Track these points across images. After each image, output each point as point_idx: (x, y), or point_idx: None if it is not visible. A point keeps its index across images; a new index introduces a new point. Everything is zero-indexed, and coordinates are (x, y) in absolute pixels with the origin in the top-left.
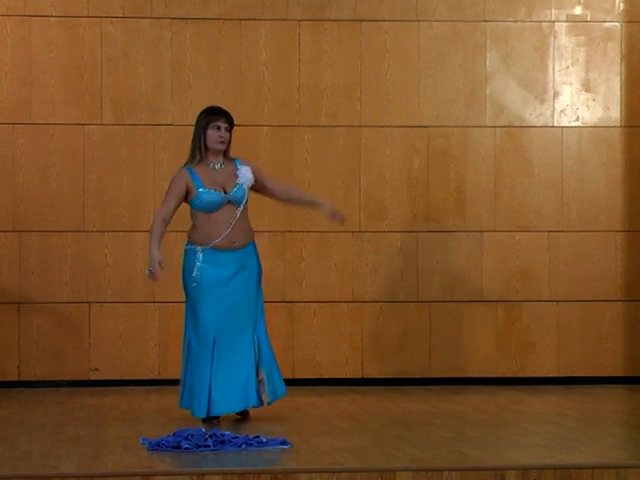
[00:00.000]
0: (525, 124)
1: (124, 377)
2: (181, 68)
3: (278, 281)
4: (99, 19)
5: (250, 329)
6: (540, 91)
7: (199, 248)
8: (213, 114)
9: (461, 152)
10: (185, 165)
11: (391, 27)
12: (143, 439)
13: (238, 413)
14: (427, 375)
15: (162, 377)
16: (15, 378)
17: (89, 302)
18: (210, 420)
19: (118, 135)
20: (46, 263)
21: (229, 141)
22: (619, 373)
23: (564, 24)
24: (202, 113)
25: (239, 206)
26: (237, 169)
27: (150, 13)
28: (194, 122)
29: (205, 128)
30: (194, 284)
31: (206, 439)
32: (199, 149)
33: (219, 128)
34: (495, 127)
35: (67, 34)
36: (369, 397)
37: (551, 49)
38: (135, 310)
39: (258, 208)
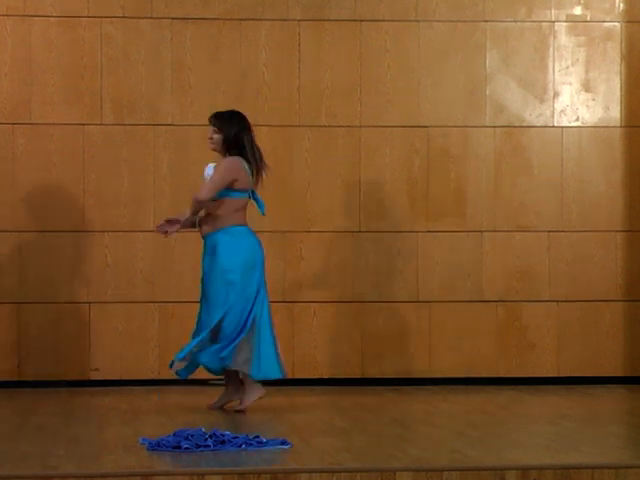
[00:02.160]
0: (525, 124)
1: (124, 377)
2: (181, 68)
3: (278, 281)
4: (99, 19)
5: None
6: (540, 91)
7: None
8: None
9: (461, 152)
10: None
11: (391, 27)
12: (143, 439)
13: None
14: (427, 375)
15: (162, 377)
16: (15, 378)
17: (89, 302)
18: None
19: (118, 135)
20: (46, 263)
21: None
22: (619, 373)
23: (564, 24)
24: (243, 116)
25: None
26: None
27: (150, 13)
28: (238, 122)
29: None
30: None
31: (206, 439)
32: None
33: None
34: (495, 127)
35: (67, 34)
36: (369, 397)
37: (551, 49)
38: (135, 310)
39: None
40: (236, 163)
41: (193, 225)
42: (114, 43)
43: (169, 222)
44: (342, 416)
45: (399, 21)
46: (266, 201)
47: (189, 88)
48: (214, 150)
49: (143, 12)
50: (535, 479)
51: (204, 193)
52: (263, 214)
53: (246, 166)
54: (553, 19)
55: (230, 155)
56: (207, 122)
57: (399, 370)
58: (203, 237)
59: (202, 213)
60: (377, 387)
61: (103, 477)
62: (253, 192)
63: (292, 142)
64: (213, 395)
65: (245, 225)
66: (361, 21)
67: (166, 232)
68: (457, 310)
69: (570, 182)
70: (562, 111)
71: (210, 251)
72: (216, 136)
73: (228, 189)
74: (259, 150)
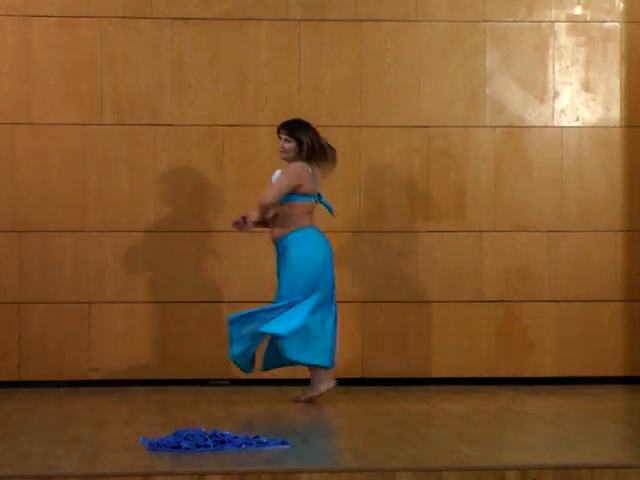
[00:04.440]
0: (525, 124)
1: (124, 377)
2: (181, 68)
3: None
4: (99, 19)
5: None
6: (540, 91)
7: None
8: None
9: (461, 152)
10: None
11: (391, 27)
12: (143, 439)
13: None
14: (427, 375)
15: (162, 377)
16: (15, 378)
17: (89, 302)
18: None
19: (118, 135)
20: (46, 263)
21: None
22: (619, 373)
23: (564, 24)
24: (308, 122)
25: None
26: None
27: (150, 13)
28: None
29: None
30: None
31: (206, 439)
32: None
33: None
34: (495, 127)
35: (67, 34)
36: (369, 397)
37: (551, 49)
38: (135, 310)
39: None
40: (301, 168)
41: (266, 225)
42: (114, 43)
43: (244, 218)
44: (342, 416)
45: (399, 21)
46: None
47: (189, 88)
48: (285, 160)
49: (143, 12)
50: (535, 479)
51: (270, 197)
52: (333, 215)
53: (310, 171)
54: (553, 19)
55: (301, 161)
56: (208, 123)
57: (399, 370)
58: (274, 241)
59: (270, 215)
60: (377, 387)
61: (103, 477)
62: (319, 196)
63: None
64: (213, 395)
65: (313, 226)
66: (361, 21)
67: (241, 228)
68: (457, 310)
69: (570, 182)
70: (562, 111)
71: (282, 252)
72: (288, 145)
73: (294, 194)
74: (333, 148)
